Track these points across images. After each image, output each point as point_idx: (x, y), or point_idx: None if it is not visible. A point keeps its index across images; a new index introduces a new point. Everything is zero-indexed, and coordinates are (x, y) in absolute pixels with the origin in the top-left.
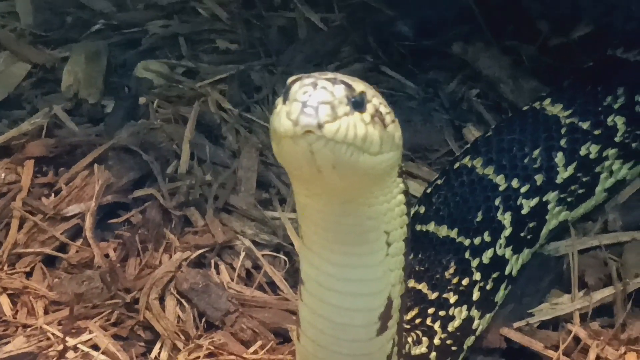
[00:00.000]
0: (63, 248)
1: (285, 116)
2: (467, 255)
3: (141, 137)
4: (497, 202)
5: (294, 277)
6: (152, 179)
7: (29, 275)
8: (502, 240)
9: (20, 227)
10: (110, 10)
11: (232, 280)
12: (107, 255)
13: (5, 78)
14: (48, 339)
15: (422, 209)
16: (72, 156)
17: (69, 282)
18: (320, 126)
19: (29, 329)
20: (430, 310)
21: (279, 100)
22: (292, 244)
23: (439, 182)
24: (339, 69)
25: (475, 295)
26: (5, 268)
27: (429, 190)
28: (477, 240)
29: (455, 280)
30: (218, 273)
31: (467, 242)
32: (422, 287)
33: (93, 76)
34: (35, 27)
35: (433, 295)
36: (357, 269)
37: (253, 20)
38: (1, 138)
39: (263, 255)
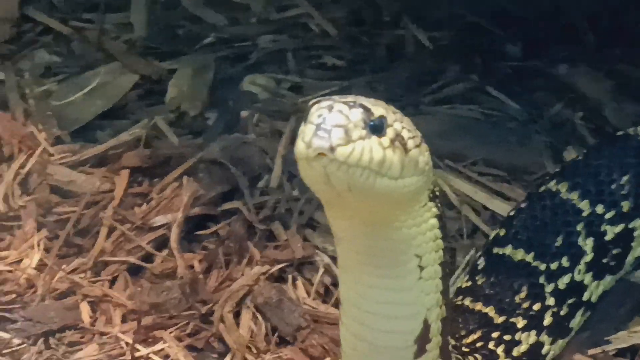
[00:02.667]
0: (149, 258)
1: (301, 138)
2: (541, 280)
3: (231, 151)
4: (579, 227)
5: None
6: (241, 193)
7: (112, 283)
8: (581, 266)
9: (108, 236)
10: (223, 23)
11: (309, 295)
12: (191, 267)
13: (112, 88)
14: (121, 347)
15: (502, 232)
16: (165, 167)
17: (149, 292)
18: (332, 149)
19: (104, 337)
20: (495, 334)
21: (303, 122)
22: None
23: (522, 205)
24: (442, 88)
25: (547, 320)
26: (89, 275)
27: (511, 213)
28: (553, 265)
29: (525, 305)
30: (295, 288)
31: (542, 266)
32: (489, 310)
33: (197, 89)
34: (147, 39)
35: (499, 319)
36: (389, 292)
37: (361, 37)
38: (101, 147)
39: None
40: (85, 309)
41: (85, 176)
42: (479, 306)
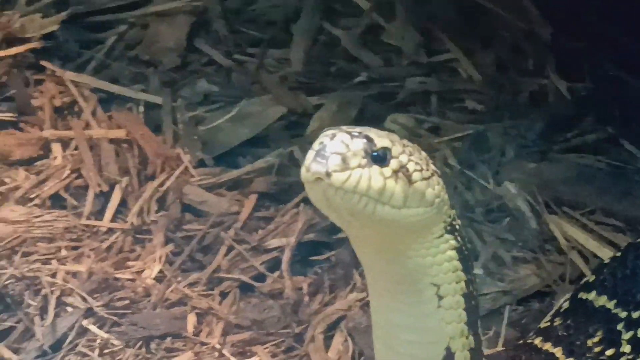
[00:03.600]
0: (261, 277)
1: (303, 162)
2: (619, 327)
3: None
4: None
5: None
6: None
7: (223, 298)
8: None
9: (227, 254)
10: (377, 64)
11: None
12: (299, 289)
13: (259, 119)
14: (215, 357)
15: (592, 278)
16: (291, 194)
17: (252, 309)
18: (328, 174)
19: (203, 347)
20: None
21: None
22: None
23: (617, 254)
24: (575, 137)
25: None
26: (202, 289)
27: (606, 261)
28: (636, 314)
29: (597, 349)
30: None
31: (623, 314)
32: (557, 351)
33: (338, 124)
34: (301, 74)
35: None
36: (409, 317)
37: (505, 83)
38: (236, 172)
39: None
40: (191, 320)
41: (218, 198)
42: (547, 346)
